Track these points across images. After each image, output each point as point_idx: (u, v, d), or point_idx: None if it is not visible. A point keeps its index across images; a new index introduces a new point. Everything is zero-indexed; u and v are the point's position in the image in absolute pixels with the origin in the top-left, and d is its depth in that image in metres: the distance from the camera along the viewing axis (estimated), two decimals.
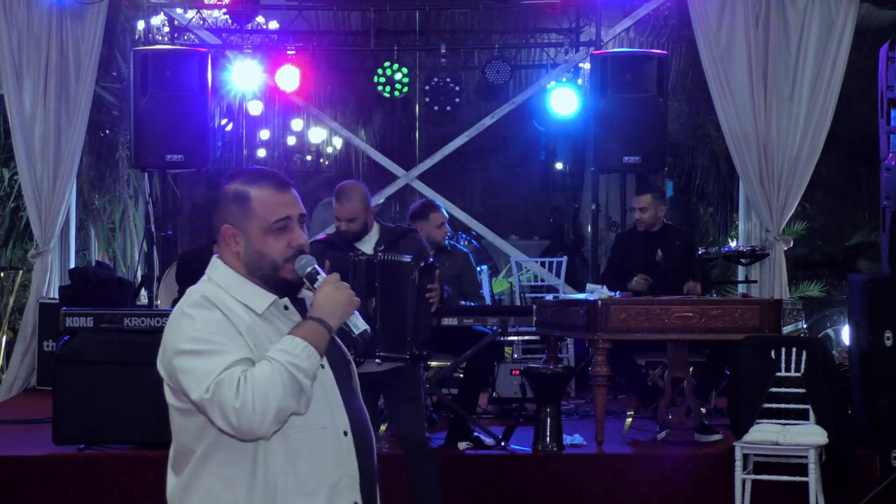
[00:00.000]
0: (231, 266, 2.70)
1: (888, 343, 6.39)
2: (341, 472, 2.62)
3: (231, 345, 2.53)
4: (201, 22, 9.84)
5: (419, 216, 7.24)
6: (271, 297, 2.67)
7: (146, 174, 9.39)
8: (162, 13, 9.82)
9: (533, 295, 9.78)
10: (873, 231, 11.15)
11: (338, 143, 14.30)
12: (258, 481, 2.57)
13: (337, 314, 2.60)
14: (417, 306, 5.22)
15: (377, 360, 5.20)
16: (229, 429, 2.49)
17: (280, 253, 2.66)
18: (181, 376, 2.54)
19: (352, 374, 2.82)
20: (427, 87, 9.67)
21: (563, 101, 9.65)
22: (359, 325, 2.65)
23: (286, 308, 2.70)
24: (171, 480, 2.71)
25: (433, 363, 7.00)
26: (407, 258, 5.21)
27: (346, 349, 2.83)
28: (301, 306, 2.75)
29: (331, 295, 2.62)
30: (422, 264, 5.26)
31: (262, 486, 2.56)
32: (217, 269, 2.71)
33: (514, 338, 8.79)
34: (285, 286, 2.69)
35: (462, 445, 6.65)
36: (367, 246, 5.43)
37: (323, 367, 2.64)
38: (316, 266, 2.68)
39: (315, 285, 2.68)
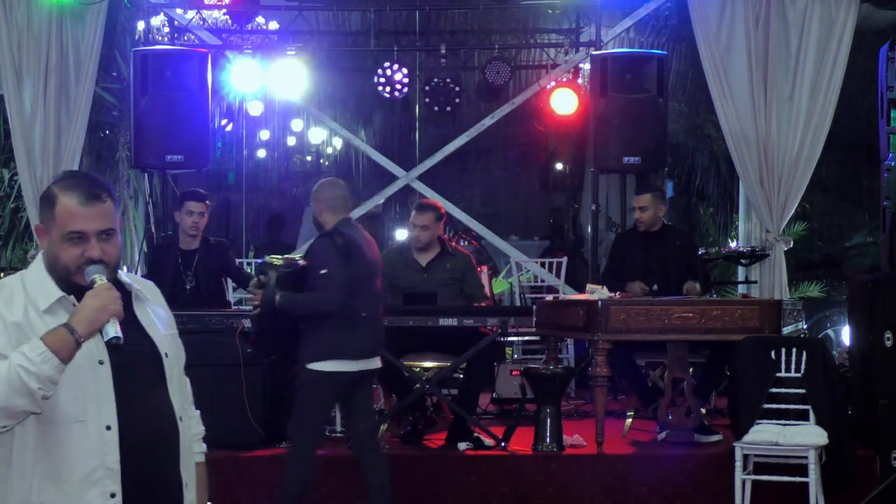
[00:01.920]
0: (43, 260, 2.84)
1: (888, 343, 6.37)
2: (96, 463, 2.71)
3: None
4: (201, 22, 9.83)
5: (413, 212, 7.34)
6: (59, 294, 2.78)
7: (146, 174, 9.38)
8: (162, 13, 9.81)
9: (533, 295, 9.77)
10: (873, 231, 11.14)
11: (338, 143, 14.27)
12: (14, 464, 2.72)
13: (85, 321, 2.67)
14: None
15: None
16: None
17: (73, 261, 2.77)
18: None
19: (163, 373, 2.85)
20: (427, 88, 9.65)
21: (563, 101, 9.65)
22: (109, 331, 2.69)
23: (74, 305, 2.77)
24: None
25: (432, 363, 7.00)
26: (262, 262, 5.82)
27: (161, 349, 2.85)
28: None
29: (85, 302, 2.70)
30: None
31: (17, 469, 2.71)
32: (35, 261, 2.87)
33: (514, 338, 8.79)
34: (78, 289, 2.78)
35: (462, 445, 6.65)
36: None
37: (102, 363, 2.73)
38: (98, 275, 2.75)
39: None
